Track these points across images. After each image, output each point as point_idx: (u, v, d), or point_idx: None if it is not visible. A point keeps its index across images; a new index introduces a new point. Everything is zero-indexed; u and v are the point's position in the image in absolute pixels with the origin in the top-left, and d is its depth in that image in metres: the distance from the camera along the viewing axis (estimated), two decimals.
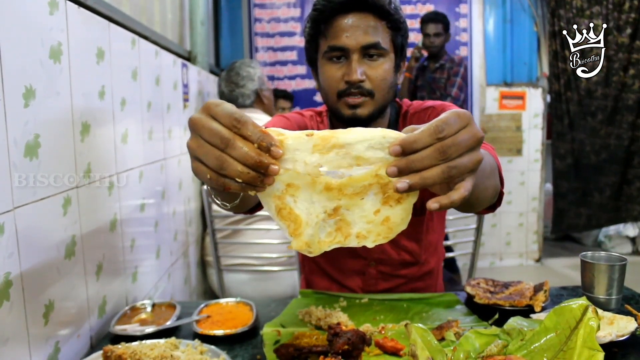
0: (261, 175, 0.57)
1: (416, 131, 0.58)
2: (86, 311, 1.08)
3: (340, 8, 1.07)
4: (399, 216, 0.64)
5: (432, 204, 0.58)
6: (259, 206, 0.96)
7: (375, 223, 0.64)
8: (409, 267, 1.29)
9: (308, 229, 0.63)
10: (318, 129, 1.25)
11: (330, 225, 0.64)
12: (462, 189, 0.58)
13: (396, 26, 1.10)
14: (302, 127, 1.22)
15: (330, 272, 1.32)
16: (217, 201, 0.77)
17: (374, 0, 1.05)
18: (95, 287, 1.13)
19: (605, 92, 3.73)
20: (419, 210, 1.24)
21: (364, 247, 1.28)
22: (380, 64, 1.08)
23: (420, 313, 1.15)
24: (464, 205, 0.82)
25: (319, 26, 1.10)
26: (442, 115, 0.58)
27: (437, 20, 3.25)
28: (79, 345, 1.04)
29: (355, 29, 1.05)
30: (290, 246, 0.64)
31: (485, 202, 0.86)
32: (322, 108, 1.28)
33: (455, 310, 1.16)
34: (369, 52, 1.07)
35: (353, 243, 0.65)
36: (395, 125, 1.22)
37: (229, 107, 0.57)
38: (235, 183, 0.57)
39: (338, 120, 1.17)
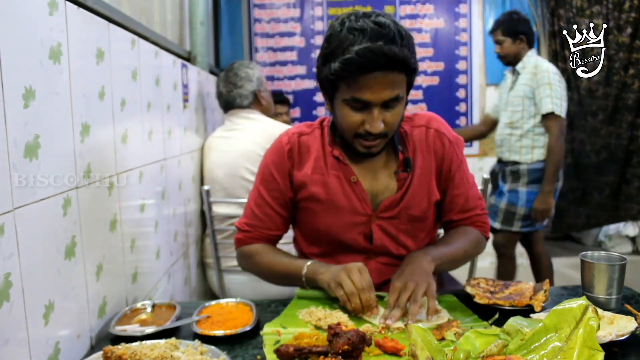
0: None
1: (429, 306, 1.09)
2: (86, 312, 1.08)
3: (369, 67, 1.07)
4: (443, 318, 1.10)
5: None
6: None
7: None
8: None
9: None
10: (305, 143, 1.28)
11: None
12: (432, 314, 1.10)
13: (412, 72, 1.14)
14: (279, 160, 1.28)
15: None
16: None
17: (401, 61, 1.07)
18: (95, 287, 1.13)
19: (606, 92, 3.73)
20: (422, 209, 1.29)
21: (367, 242, 1.30)
22: (397, 110, 1.15)
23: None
24: None
25: (343, 75, 1.10)
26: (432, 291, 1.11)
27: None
28: (79, 345, 1.04)
29: (378, 86, 1.09)
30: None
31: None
32: (318, 121, 1.33)
33: (455, 310, 1.16)
34: (389, 103, 1.12)
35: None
36: (399, 144, 1.28)
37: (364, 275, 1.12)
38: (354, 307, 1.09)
39: (351, 150, 1.24)
